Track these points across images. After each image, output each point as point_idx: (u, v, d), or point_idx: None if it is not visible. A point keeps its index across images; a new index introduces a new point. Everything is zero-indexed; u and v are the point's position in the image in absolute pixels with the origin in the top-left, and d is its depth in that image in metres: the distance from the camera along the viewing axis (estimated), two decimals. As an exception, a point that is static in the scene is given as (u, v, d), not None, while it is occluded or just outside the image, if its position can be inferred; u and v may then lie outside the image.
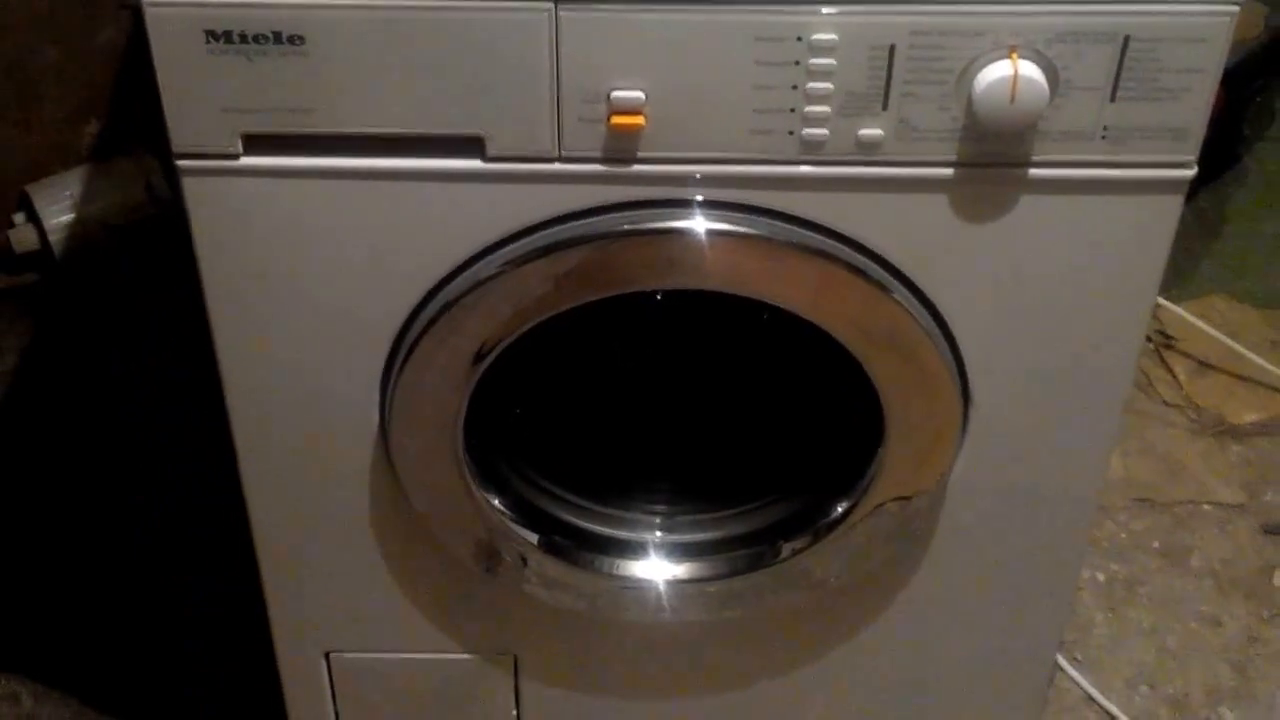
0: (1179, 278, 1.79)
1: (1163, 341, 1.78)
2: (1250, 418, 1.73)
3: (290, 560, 1.14)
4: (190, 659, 1.48)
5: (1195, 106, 0.90)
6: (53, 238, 1.45)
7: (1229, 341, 1.72)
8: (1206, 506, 1.68)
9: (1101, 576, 1.60)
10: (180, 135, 0.90)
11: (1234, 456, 1.71)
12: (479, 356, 0.98)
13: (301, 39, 0.85)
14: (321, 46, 0.86)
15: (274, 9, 0.84)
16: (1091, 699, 1.48)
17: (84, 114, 1.44)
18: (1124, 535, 1.65)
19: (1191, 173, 0.94)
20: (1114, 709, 1.47)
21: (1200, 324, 1.72)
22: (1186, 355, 1.77)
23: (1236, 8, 0.87)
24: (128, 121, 1.16)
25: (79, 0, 1.32)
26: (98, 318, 1.50)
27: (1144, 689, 1.50)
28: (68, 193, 1.44)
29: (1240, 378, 1.74)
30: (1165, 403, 1.75)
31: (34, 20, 1.34)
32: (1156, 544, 1.64)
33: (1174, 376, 1.76)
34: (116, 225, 1.44)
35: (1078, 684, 1.49)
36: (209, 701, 1.44)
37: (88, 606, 1.53)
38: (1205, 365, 1.76)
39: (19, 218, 1.46)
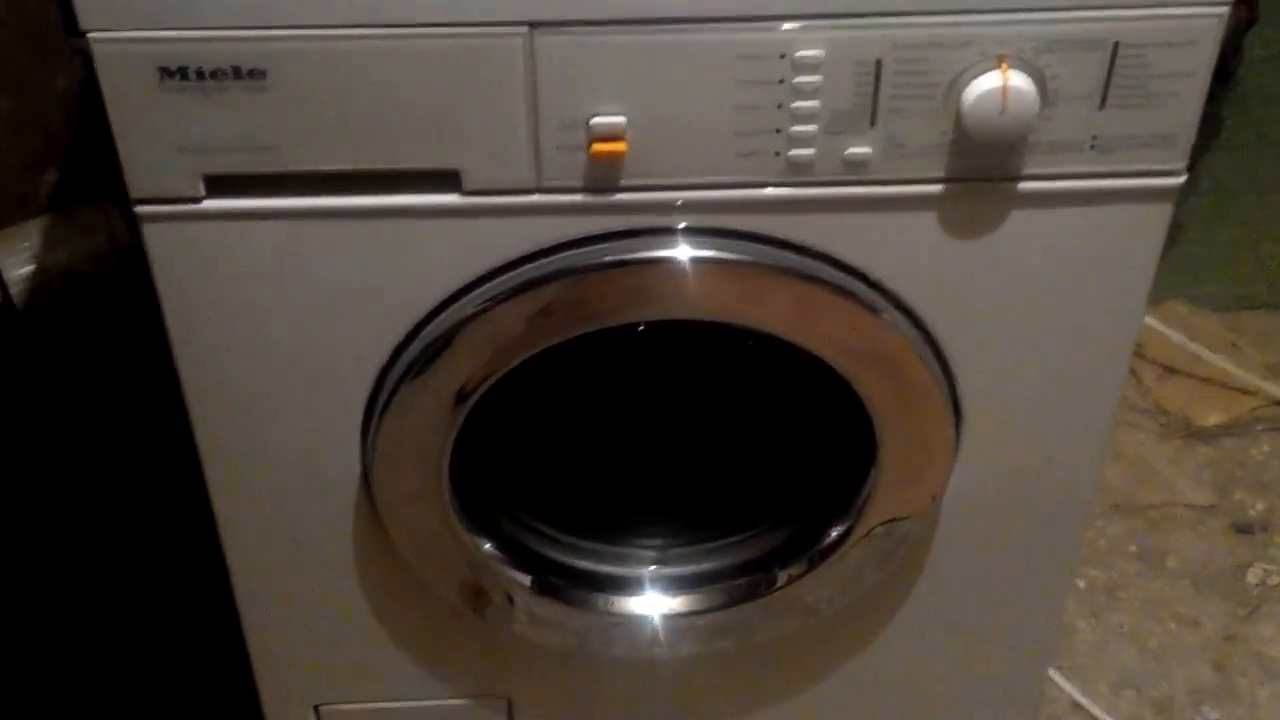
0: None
1: (1129, 348, 1.77)
2: (1216, 419, 1.73)
3: (274, 613, 1.08)
4: (178, 715, 1.41)
5: (1184, 111, 0.86)
6: (13, 289, 1.38)
7: (1192, 346, 1.71)
8: (1179, 509, 1.66)
9: (1082, 583, 1.58)
10: (137, 179, 0.82)
11: (1202, 458, 1.71)
12: (462, 396, 0.92)
13: (262, 73, 0.78)
14: (284, 81, 0.79)
15: (232, 42, 0.77)
16: (1079, 705, 1.45)
17: (41, 163, 1.37)
18: (1101, 541, 1.63)
19: (1181, 180, 0.90)
20: (1101, 714, 1.45)
21: (1163, 329, 1.72)
22: (1151, 361, 1.76)
23: (1226, 8, 0.82)
24: (87, 169, 1.10)
25: (31, 48, 1.26)
26: (61, 369, 1.44)
27: (1129, 693, 1.48)
28: (27, 243, 1.37)
29: (1204, 380, 1.74)
30: (1134, 408, 1.74)
31: (-14, 70, 1.28)
32: (1133, 548, 1.63)
33: (1140, 382, 1.76)
34: (79, 274, 1.37)
35: (1064, 691, 1.46)
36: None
37: (62, 666, 1.46)
38: (1170, 370, 1.75)
39: (-22, 271, 1.39)
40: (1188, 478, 1.68)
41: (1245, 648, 1.52)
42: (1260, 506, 1.66)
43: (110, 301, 1.37)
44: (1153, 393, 1.75)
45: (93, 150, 1.30)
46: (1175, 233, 1.82)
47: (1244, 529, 1.65)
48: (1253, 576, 1.60)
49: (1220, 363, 1.71)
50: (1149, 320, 1.72)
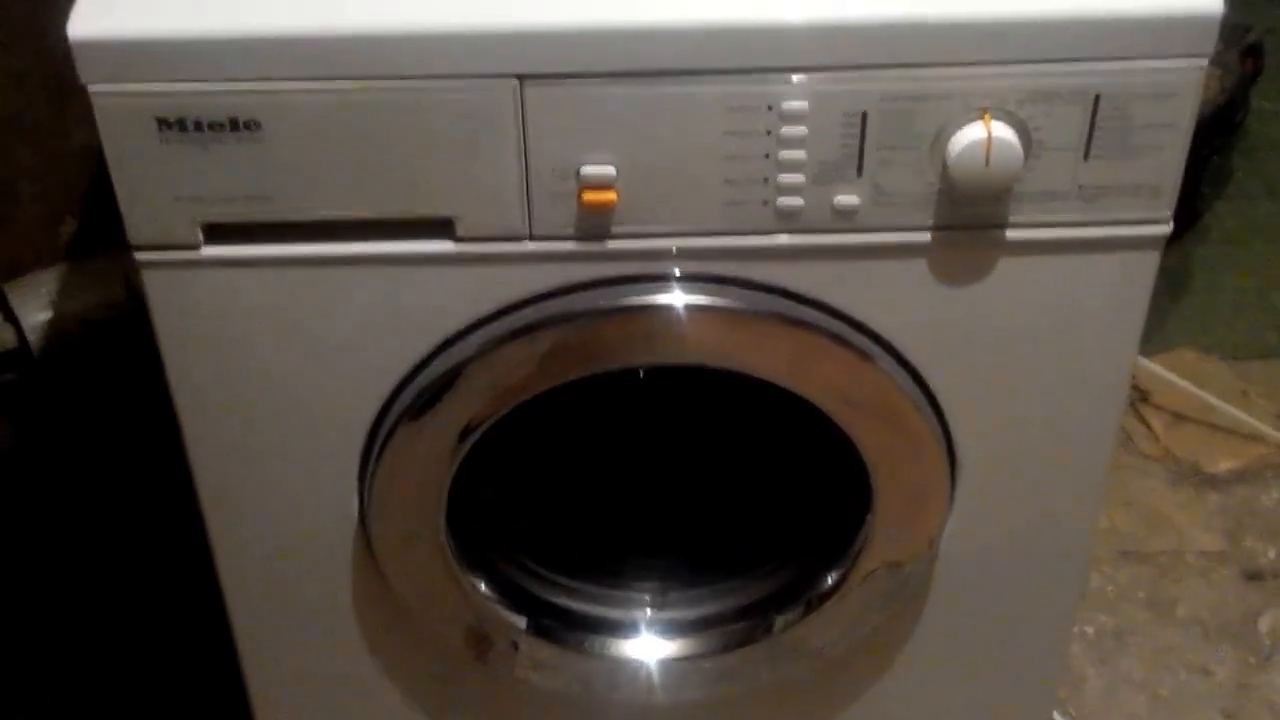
0: (1149, 333, 1.76)
1: (1137, 395, 1.77)
2: (1226, 466, 1.71)
3: (273, 656, 1.08)
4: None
5: (1168, 162, 0.86)
6: (30, 337, 1.40)
7: (1201, 393, 1.70)
8: (1189, 556, 1.64)
9: (1091, 630, 1.56)
10: (137, 227, 0.84)
11: (1213, 505, 1.69)
12: (458, 441, 0.92)
13: (258, 124, 0.80)
14: (279, 132, 0.80)
15: (227, 95, 0.79)
16: (1088, 754, 1.43)
17: (60, 213, 1.39)
18: (1110, 588, 1.61)
19: (1167, 229, 0.90)
20: (1110, 764, 1.42)
21: (1172, 377, 1.71)
22: (1161, 408, 1.75)
23: (1205, 60, 0.83)
24: (104, 219, 1.12)
25: (51, 102, 1.29)
26: (77, 415, 1.45)
27: (1139, 742, 1.45)
28: (45, 291, 1.39)
29: (1214, 428, 1.73)
30: (1143, 455, 1.73)
31: (6, 123, 1.30)
32: (1143, 595, 1.61)
33: (1150, 429, 1.74)
34: (95, 322, 1.39)
35: (1073, 740, 1.44)
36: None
37: (69, 707, 1.45)
38: (1180, 417, 1.74)
39: (-4, 317, 1.41)
40: (1198, 525, 1.67)
41: (1257, 696, 1.49)
42: (1271, 554, 1.64)
43: (126, 349, 1.39)
44: (1162, 440, 1.73)
45: (111, 200, 1.33)
46: (1185, 281, 1.83)
47: (1255, 576, 1.63)
48: (1264, 624, 1.58)
49: (1230, 410, 1.70)
50: (1158, 368, 1.71)
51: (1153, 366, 1.71)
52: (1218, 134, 1.75)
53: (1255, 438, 1.71)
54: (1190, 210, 1.86)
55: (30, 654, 1.51)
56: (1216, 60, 1.68)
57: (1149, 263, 0.91)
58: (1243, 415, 1.70)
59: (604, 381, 0.91)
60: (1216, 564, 1.63)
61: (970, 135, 0.82)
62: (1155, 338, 1.78)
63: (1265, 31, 1.80)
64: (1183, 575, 1.63)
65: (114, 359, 1.36)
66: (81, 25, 0.77)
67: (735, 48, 0.80)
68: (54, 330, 1.36)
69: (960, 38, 0.81)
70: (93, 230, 1.38)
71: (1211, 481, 1.71)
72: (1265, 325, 1.84)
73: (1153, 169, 0.86)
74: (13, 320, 1.40)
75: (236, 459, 0.96)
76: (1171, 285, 1.84)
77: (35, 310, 1.39)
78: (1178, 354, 1.79)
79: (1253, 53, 1.77)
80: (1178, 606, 1.60)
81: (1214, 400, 1.70)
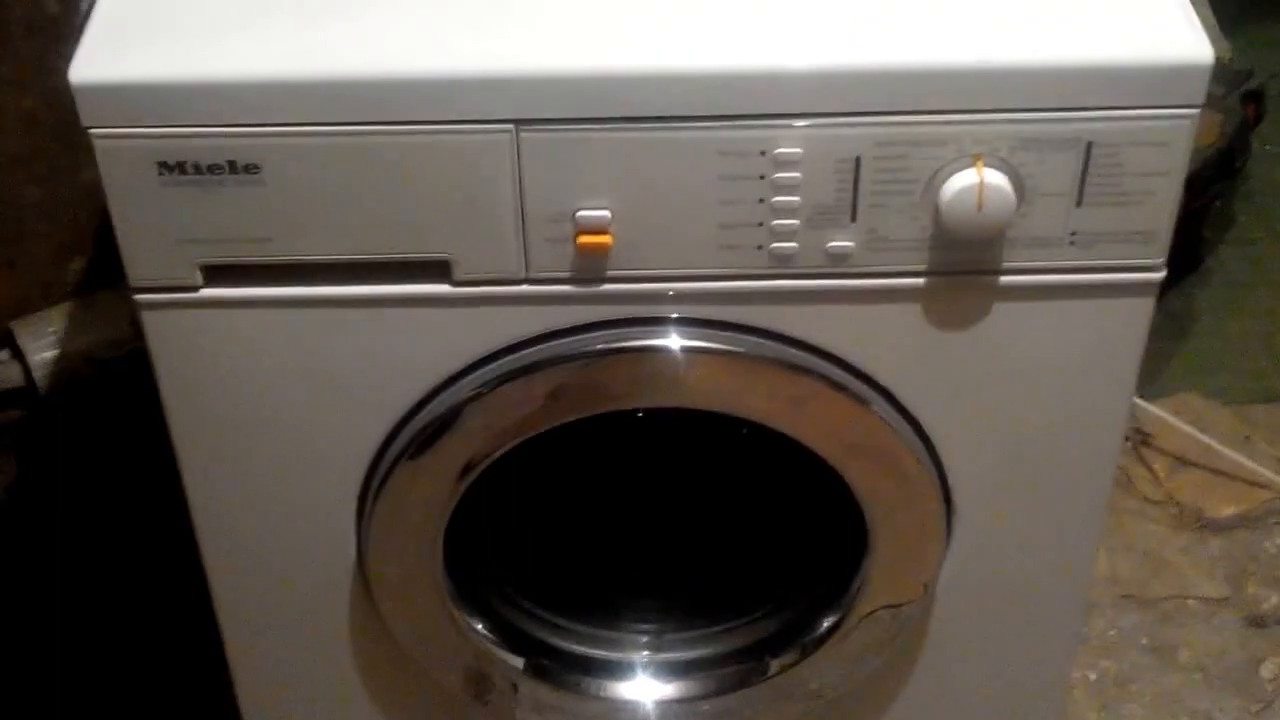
0: (1152, 377, 1.77)
1: (1140, 439, 1.76)
2: (1229, 511, 1.70)
3: (270, 693, 1.08)
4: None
5: (1160, 209, 0.86)
6: (37, 374, 1.41)
7: (1204, 438, 1.69)
8: (1191, 601, 1.63)
9: (1092, 675, 1.55)
10: (137, 268, 0.84)
11: (1215, 550, 1.68)
12: (456, 481, 0.93)
13: (257, 168, 0.80)
14: (277, 174, 0.81)
15: (227, 139, 0.79)
16: (1089, 800, 1.41)
17: (68, 252, 1.40)
18: (1112, 632, 1.60)
19: (1160, 275, 0.90)
20: (1112, 811, 1.40)
21: (1175, 421, 1.70)
22: (1163, 452, 1.74)
23: (1196, 111, 0.83)
24: (112, 258, 1.13)
25: (60, 141, 1.30)
26: (83, 452, 1.46)
27: (1141, 788, 1.44)
28: (51, 329, 1.40)
29: (1217, 472, 1.71)
30: (1146, 499, 1.72)
31: (16, 162, 1.31)
32: (1145, 640, 1.59)
33: (1152, 473, 1.73)
34: (101, 360, 1.40)
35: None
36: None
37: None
38: (1182, 461, 1.73)
39: (3, 355, 1.41)
40: (1200, 570, 1.65)
41: (1260, 744, 1.49)
42: (1274, 600, 1.63)
43: (133, 386, 1.39)
44: (1165, 485, 1.72)
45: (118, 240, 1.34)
46: (1188, 325, 1.83)
47: (1257, 622, 1.61)
48: (1266, 671, 1.56)
49: (1233, 455, 1.69)
50: (1161, 412, 1.70)
51: (1155, 410, 1.70)
52: (1220, 178, 1.76)
53: (1258, 483, 1.70)
54: (1192, 254, 1.87)
55: (32, 692, 1.50)
56: (1218, 105, 1.70)
57: (1143, 308, 0.91)
58: (1246, 460, 1.69)
59: (602, 423, 0.92)
60: (1219, 610, 1.62)
61: (963, 181, 0.82)
62: (1158, 382, 1.78)
63: (1268, 77, 1.82)
64: (1185, 621, 1.61)
65: (121, 396, 1.37)
66: (84, 69, 0.78)
67: (728, 94, 0.81)
68: (61, 368, 1.37)
69: (953, 85, 0.81)
70: (101, 268, 1.38)
71: (1214, 527, 1.70)
72: (1268, 370, 1.84)
73: (1146, 216, 0.86)
74: (20, 358, 1.41)
75: (234, 497, 0.96)
76: (1174, 329, 1.84)
77: (42, 348, 1.39)
78: (1181, 398, 1.78)
79: (1254, 98, 1.78)
80: (1180, 652, 1.58)
81: (1217, 445, 1.69)
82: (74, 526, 1.49)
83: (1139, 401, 1.70)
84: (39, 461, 1.45)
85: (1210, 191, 1.76)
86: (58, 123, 1.26)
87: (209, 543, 0.98)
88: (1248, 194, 1.85)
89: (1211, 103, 1.66)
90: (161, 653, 1.50)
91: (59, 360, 1.38)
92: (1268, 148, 1.81)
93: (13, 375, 1.39)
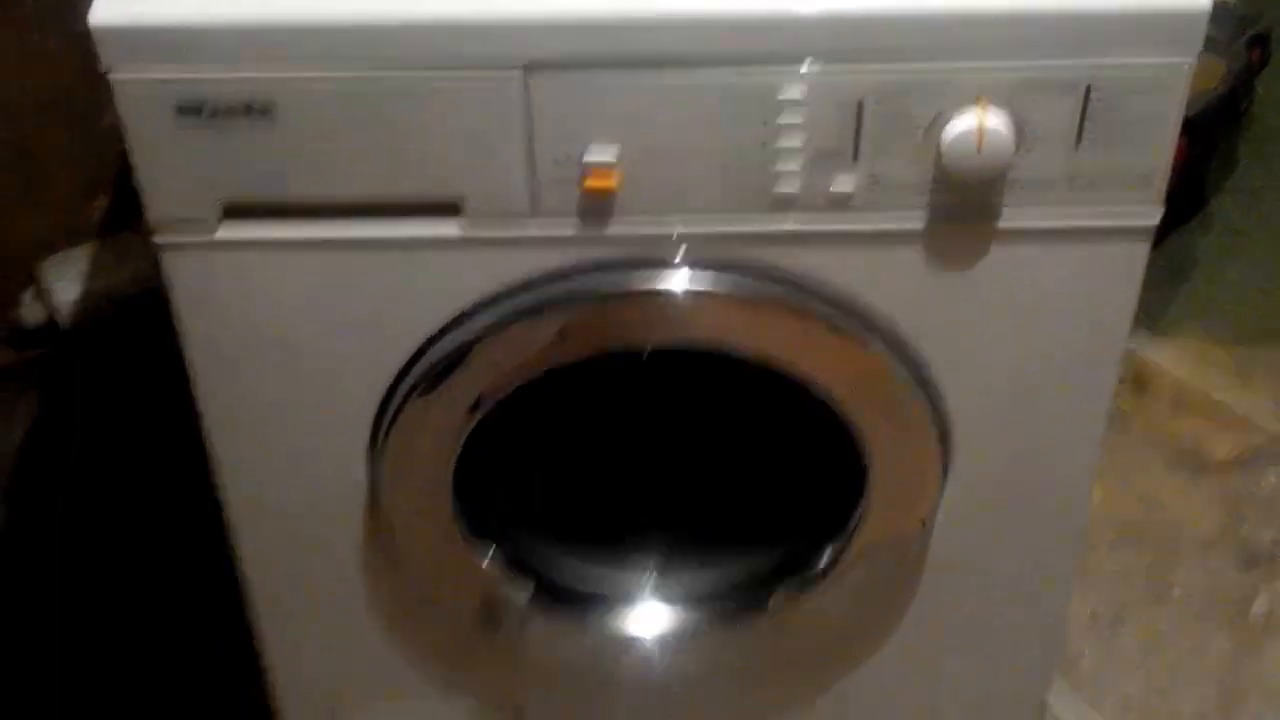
0: (1151, 319, 1.78)
1: (1138, 380, 1.76)
2: (1224, 452, 1.71)
3: (288, 625, 1.10)
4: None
5: (1158, 153, 0.86)
6: (60, 313, 1.42)
7: (1202, 380, 1.70)
8: (1186, 539, 1.65)
9: (1088, 610, 1.57)
10: (156, 209, 0.85)
11: (1210, 489, 1.69)
12: (465, 417, 0.94)
13: (272, 110, 0.81)
14: (292, 117, 0.82)
15: (243, 82, 0.80)
16: (1082, 731, 1.43)
17: (91, 192, 1.41)
18: (1108, 569, 1.61)
19: (1157, 218, 0.90)
20: (1104, 740, 1.42)
21: (1173, 363, 1.71)
22: (1161, 393, 1.75)
23: (1193, 57, 0.83)
24: (134, 198, 1.14)
25: (84, 83, 1.30)
26: (105, 390, 1.47)
27: (1133, 719, 1.45)
28: (76, 268, 1.41)
29: (1213, 413, 1.72)
30: (1142, 439, 1.73)
31: (40, 104, 1.31)
32: (1140, 577, 1.61)
33: (1150, 415, 1.74)
34: (124, 298, 1.41)
35: (1068, 717, 1.45)
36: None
37: (92, 670, 1.48)
38: (1179, 402, 1.74)
39: (28, 294, 1.43)
40: (1195, 509, 1.67)
41: (1251, 676, 1.49)
42: (1268, 539, 1.64)
43: (155, 324, 1.40)
44: (1162, 424, 1.73)
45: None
46: (1188, 269, 1.83)
47: (1251, 560, 1.62)
48: (1259, 607, 1.57)
49: (1230, 397, 1.70)
50: (1159, 353, 1.71)
51: (1154, 351, 1.71)
52: (1224, 123, 1.75)
53: (1255, 424, 1.71)
54: (1195, 198, 1.86)
55: (53, 619, 1.53)
56: (1223, 50, 1.69)
57: (1140, 250, 0.91)
58: (1243, 402, 1.70)
59: (609, 361, 0.93)
60: (1213, 547, 1.63)
61: (963, 125, 0.83)
62: (1158, 324, 1.78)
63: (1273, 21, 1.80)
64: (1179, 558, 1.63)
65: (143, 334, 1.38)
66: (103, 12, 0.79)
67: (735, 38, 0.81)
68: (84, 306, 1.38)
69: (954, 30, 0.82)
70: (124, 208, 1.39)
71: (1210, 466, 1.71)
72: (1267, 313, 1.84)
73: (1143, 159, 0.86)
74: (44, 296, 1.42)
75: (252, 432, 0.97)
76: (1175, 272, 1.83)
77: (66, 287, 1.41)
78: (1179, 339, 1.78)
79: (1259, 43, 1.77)
80: (1174, 588, 1.59)
81: (1213, 387, 1.70)
82: (94, 461, 1.50)
83: (1139, 344, 1.70)
84: (62, 398, 1.47)
85: (1214, 137, 1.75)
86: (81, 65, 1.27)
87: (226, 476, 1.00)
88: (1251, 139, 1.84)
89: (1216, 48, 1.65)
90: (180, 581, 1.52)
91: (82, 299, 1.39)
92: (1274, 93, 1.80)
93: (37, 314, 1.40)
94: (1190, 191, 1.83)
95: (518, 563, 1.08)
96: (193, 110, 0.81)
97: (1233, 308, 1.84)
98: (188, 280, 0.89)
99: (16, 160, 1.31)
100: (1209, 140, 1.75)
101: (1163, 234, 0.91)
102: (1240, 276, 1.85)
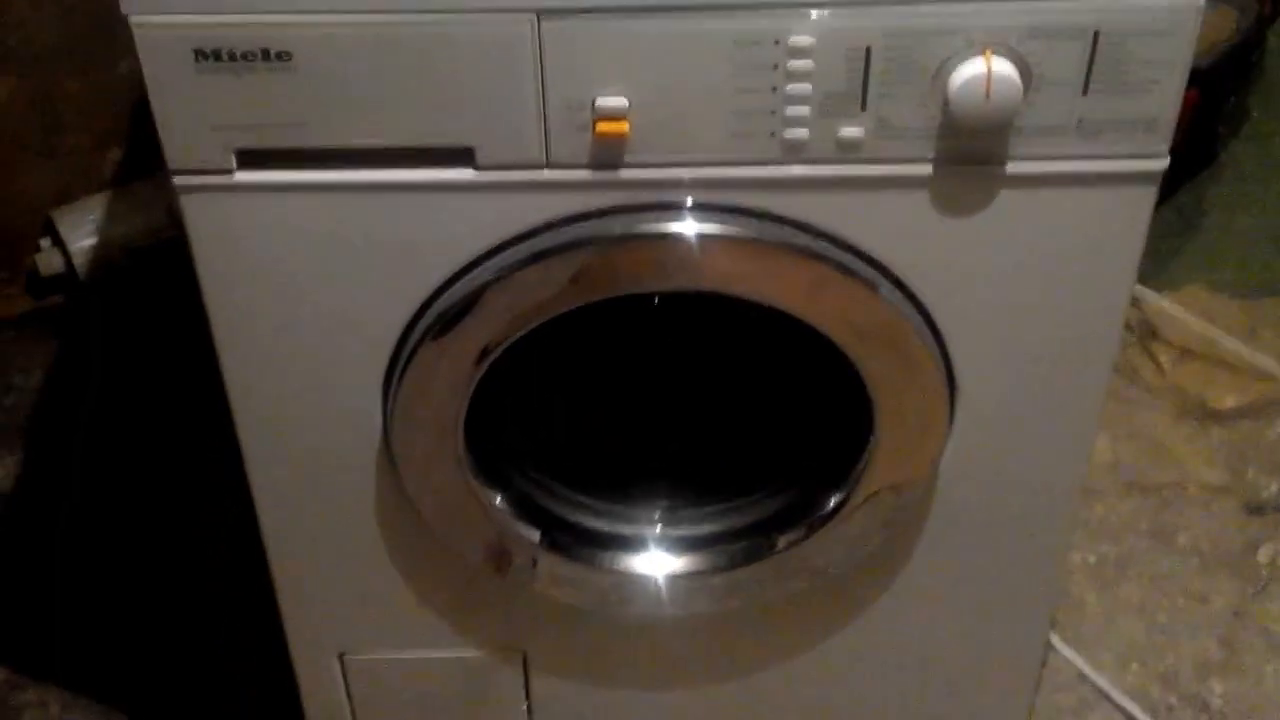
0: (1160, 270, 1.78)
1: (1146, 331, 1.76)
2: (1231, 402, 1.71)
3: (301, 567, 1.11)
4: (211, 665, 1.45)
5: (1165, 99, 0.87)
6: (77, 261, 1.43)
7: (1210, 330, 1.70)
8: (1192, 488, 1.65)
9: (1092, 558, 1.58)
10: (175, 153, 0.86)
11: (1217, 439, 1.69)
12: (477, 361, 0.95)
13: (289, 55, 0.82)
14: (309, 62, 0.82)
15: (260, 27, 0.81)
16: (1084, 676, 1.45)
17: (106, 142, 1.42)
18: (1113, 517, 1.62)
19: (1164, 164, 0.90)
20: (1106, 685, 1.44)
21: (1181, 313, 1.71)
22: (1169, 344, 1.75)
23: (1201, 1, 0.83)
24: (148, 147, 1.15)
25: (98, 34, 1.31)
26: (121, 337, 1.48)
27: (1135, 666, 1.47)
28: (91, 217, 1.42)
29: (1220, 364, 1.72)
30: (1150, 389, 1.73)
31: (56, 54, 1.33)
32: (1144, 525, 1.62)
33: (1157, 364, 1.74)
34: (138, 247, 1.42)
35: (1071, 662, 1.46)
36: (231, 705, 1.41)
37: (111, 616, 1.50)
38: (1187, 353, 1.74)
39: (45, 243, 1.43)
40: (1201, 458, 1.67)
41: (1253, 624, 1.50)
42: (1273, 488, 1.65)
43: (169, 272, 1.42)
44: (1169, 375, 1.73)
45: (155, 129, 1.35)
46: (1197, 219, 1.83)
47: (1256, 509, 1.63)
48: (1263, 555, 1.58)
49: (1237, 347, 1.70)
50: (1168, 303, 1.71)
51: (1162, 302, 1.71)
52: (1235, 73, 1.74)
53: (1262, 374, 1.71)
54: (1206, 149, 1.85)
55: (73, 558, 1.55)
56: (1234, 1, 1.67)
57: (1147, 197, 0.92)
58: (1249, 352, 1.70)
59: (618, 306, 0.93)
60: (1218, 496, 1.64)
61: (971, 70, 0.83)
62: (1166, 274, 1.78)
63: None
64: (1184, 507, 1.63)
65: (157, 282, 1.39)
66: (122, -43, 0.80)
67: (744, -17, 0.81)
68: (100, 255, 1.39)
69: (962, -25, 0.82)
70: (138, 158, 1.40)
71: (1216, 416, 1.71)
72: (1275, 264, 1.83)
73: (1150, 105, 0.86)
74: (60, 245, 1.43)
75: (266, 375, 0.98)
76: (1185, 223, 1.83)
77: (82, 235, 1.42)
78: (1188, 290, 1.78)
79: (1271, -6, 1.76)
80: (1178, 537, 1.60)
81: (1222, 336, 1.70)
82: (112, 405, 1.51)
83: (1147, 294, 1.70)
84: (79, 344, 1.49)
85: (1225, 87, 1.74)
86: (96, 14, 1.27)
87: (243, 419, 1.01)
88: (1262, 90, 1.83)
89: (1227, -2, 1.64)
90: (197, 523, 1.55)
91: (98, 248, 1.41)
92: (1285, 44, 1.79)
93: (54, 262, 1.42)
94: (1201, 143, 1.83)
95: (527, 505, 1.09)
96: (211, 55, 0.81)
97: (1241, 257, 1.84)
98: (205, 222, 0.90)
99: (33, 110, 1.32)
100: (1220, 91, 1.74)
101: (1174, 186, 0.91)
102: (1250, 228, 1.85)
